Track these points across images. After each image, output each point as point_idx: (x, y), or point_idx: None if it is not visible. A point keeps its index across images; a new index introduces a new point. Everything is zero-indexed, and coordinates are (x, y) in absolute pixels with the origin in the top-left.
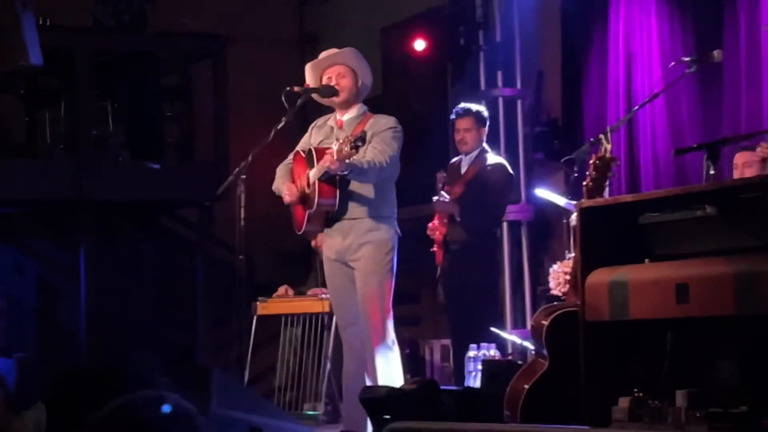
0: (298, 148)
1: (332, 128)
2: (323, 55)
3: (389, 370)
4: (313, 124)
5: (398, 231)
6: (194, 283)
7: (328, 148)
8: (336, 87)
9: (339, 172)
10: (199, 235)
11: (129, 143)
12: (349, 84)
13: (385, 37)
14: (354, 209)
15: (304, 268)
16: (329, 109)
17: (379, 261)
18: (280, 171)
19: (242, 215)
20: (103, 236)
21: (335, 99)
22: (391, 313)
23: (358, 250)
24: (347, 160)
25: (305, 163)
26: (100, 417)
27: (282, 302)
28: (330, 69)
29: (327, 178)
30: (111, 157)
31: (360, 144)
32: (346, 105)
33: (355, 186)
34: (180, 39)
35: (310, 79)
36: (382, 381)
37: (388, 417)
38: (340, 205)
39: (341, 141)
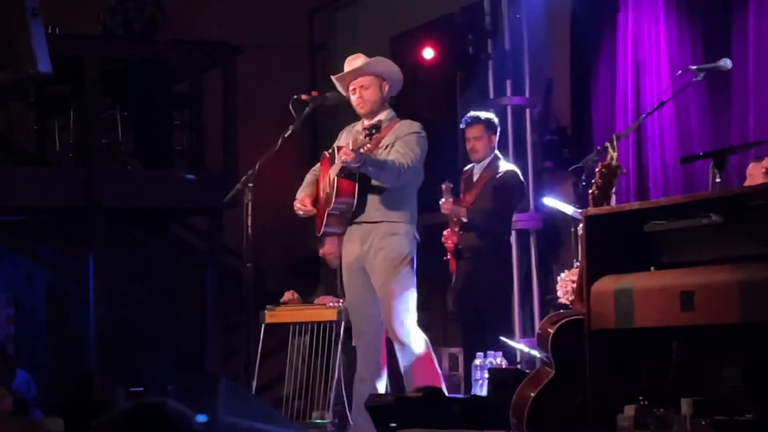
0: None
1: (359, 133)
2: (347, 65)
3: (417, 373)
4: (342, 130)
5: (417, 237)
6: (203, 291)
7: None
8: (359, 99)
9: (355, 164)
10: (208, 243)
11: (138, 151)
12: (372, 96)
13: (394, 45)
14: (373, 212)
15: (313, 277)
16: (338, 118)
17: (397, 267)
18: (307, 178)
19: (249, 223)
20: (113, 244)
21: (359, 111)
22: (414, 318)
23: (375, 256)
24: (361, 150)
25: (329, 163)
26: (101, 424)
27: (290, 311)
28: (355, 81)
29: (346, 174)
30: (120, 165)
31: (374, 132)
32: (371, 115)
33: (375, 188)
34: (190, 47)
35: (340, 90)
36: (409, 386)
37: (394, 425)
38: (358, 204)
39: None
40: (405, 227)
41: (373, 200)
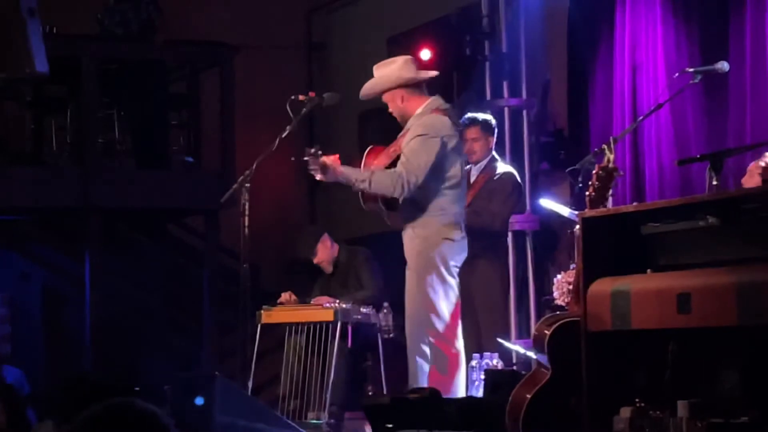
0: None
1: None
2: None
3: (421, 377)
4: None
5: (449, 237)
6: (200, 291)
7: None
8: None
9: (333, 180)
10: (204, 243)
11: (135, 151)
12: (394, 110)
13: (391, 46)
14: (404, 215)
15: (309, 277)
16: (335, 119)
17: (419, 270)
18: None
19: (246, 223)
20: (109, 243)
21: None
22: (440, 324)
23: (409, 257)
24: (324, 171)
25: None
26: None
27: (286, 311)
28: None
29: None
30: (117, 164)
31: (311, 156)
32: (405, 123)
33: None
34: (187, 47)
35: None
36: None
37: (390, 426)
38: (390, 209)
39: None
40: (428, 229)
41: (403, 204)
